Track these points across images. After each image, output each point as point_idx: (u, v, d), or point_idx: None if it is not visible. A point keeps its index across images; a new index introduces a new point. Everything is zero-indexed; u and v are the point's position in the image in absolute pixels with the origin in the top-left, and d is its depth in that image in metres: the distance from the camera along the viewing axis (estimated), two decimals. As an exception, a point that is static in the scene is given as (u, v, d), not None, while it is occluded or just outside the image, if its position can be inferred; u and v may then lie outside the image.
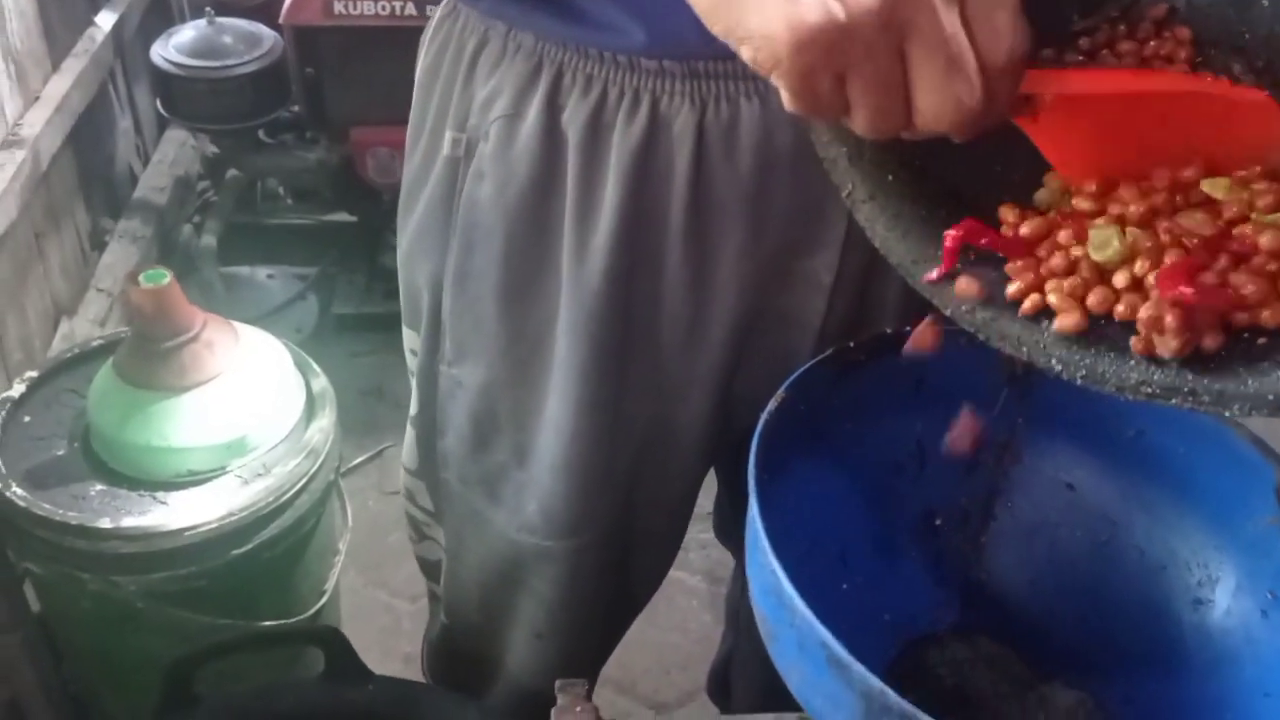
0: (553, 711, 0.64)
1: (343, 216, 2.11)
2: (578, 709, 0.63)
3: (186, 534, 1.14)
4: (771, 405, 0.55)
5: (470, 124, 0.72)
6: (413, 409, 0.87)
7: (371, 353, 2.07)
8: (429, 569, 0.98)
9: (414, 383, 0.86)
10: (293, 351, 1.32)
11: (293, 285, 2.10)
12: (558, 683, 0.66)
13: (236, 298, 2.05)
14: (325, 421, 1.27)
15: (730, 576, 1.21)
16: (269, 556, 1.20)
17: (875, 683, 0.42)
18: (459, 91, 0.73)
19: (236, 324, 1.27)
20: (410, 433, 0.89)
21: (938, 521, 0.61)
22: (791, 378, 0.57)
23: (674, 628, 1.66)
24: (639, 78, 0.66)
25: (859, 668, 0.43)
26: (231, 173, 2.09)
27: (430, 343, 0.82)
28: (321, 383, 1.31)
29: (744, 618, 1.08)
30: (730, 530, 1.06)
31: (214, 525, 1.15)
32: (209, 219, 2.06)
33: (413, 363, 0.86)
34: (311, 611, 1.28)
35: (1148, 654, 0.60)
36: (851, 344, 0.58)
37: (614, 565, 0.86)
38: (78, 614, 1.21)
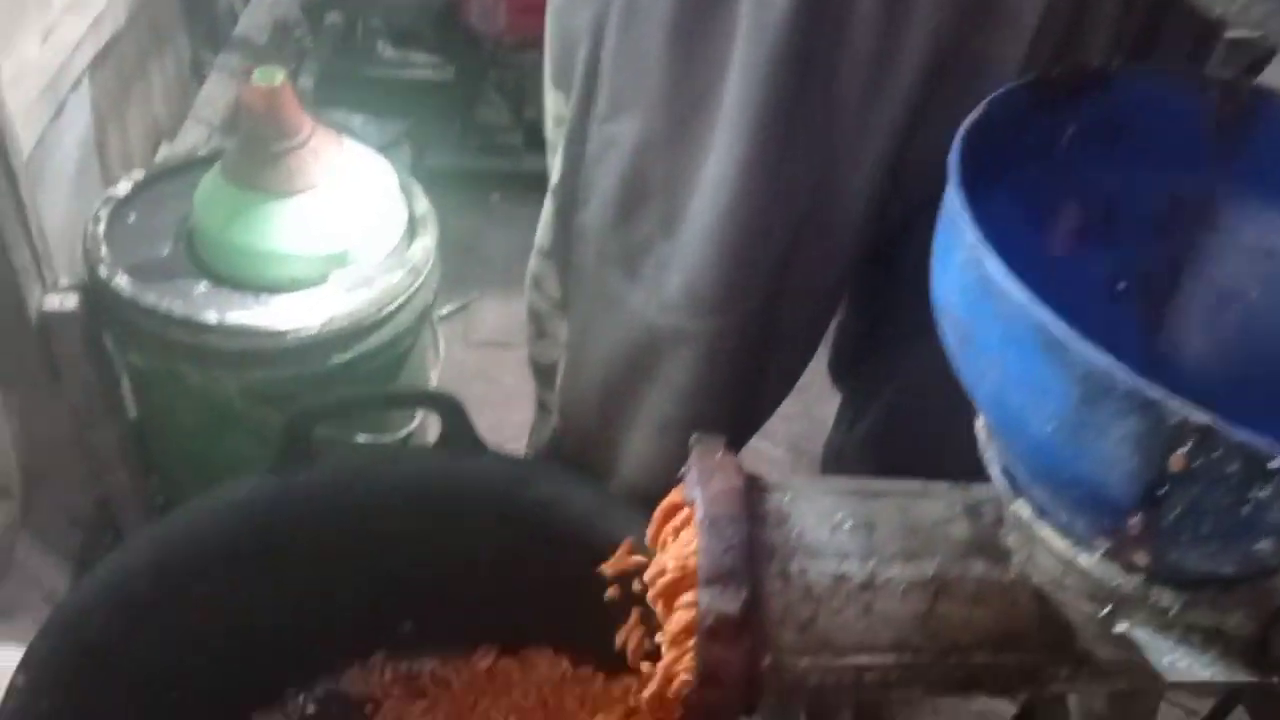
0: (693, 451, 0.62)
1: (440, 72, 2.08)
2: (718, 452, 0.61)
3: (289, 336, 1.14)
4: (971, 117, 0.51)
5: None
6: (553, 179, 0.84)
7: (461, 207, 2.05)
8: (543, 374, 0.96)
9: (559, 150, 0.83)
10: (396, 173, 1.30)
11: (386, 135, 2.08)
12: (695, 435, 0.64)
13: (330, 144, 2.04)
14: (427, 241, 1.26)
15: (831, 427, 1.18)
16: (367, 370, 1.19)
17: (1098, 360, 0.39)
18: None
19: (344, 138, 1.26)
20: (548, 206, 0.86)
21: (1120, 286, 0.57)
22: (992, 96, 0.53)
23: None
24: None
25: (1080, 345, 0.39)
26: (330, 18, 2.06)
27: (583, 99, 0.78)
28: (424, 205, 1.30)
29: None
30: (854, 363, 1.02)
31: (316, 330, 1.15)
32: (306, 62, 2.04)
33: (554, 133, 0.83)
34: (400, 436, 1.28)
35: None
36: (1057, 71, 0.53)
37: (751, 355, 0.84)
38: (176, 413, 1.22)
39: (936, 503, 0.60)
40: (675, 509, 0.61)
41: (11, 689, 0.72)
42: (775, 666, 0.57)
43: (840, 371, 1.06)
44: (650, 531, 0.63)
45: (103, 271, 1.15)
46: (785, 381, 0.91)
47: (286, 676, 0.93)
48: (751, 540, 0.57)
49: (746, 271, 0.78)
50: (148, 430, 1.30)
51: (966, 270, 0.45)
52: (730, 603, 0.55)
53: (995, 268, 0.43)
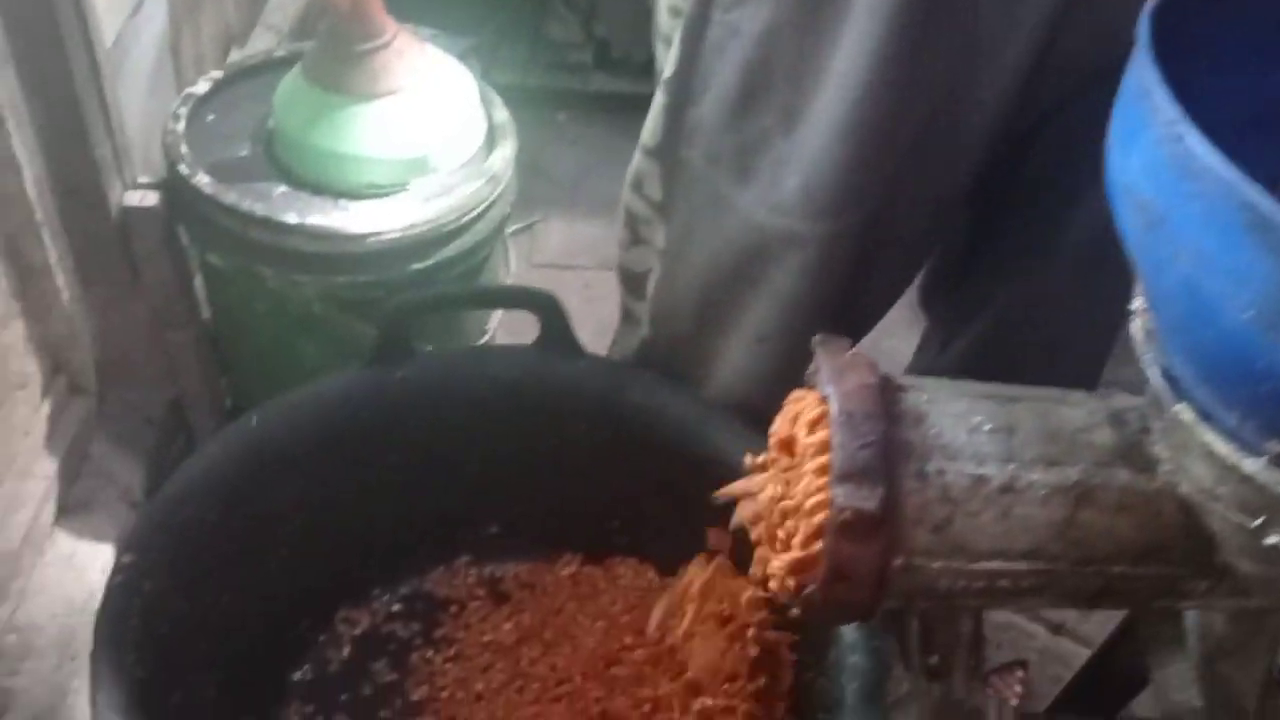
0: (818, 350, 0.60)
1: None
2: (847, 350, 0.59)
3: (369, 240, 1.12)
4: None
5: None
6: (667, 70, 0.81)
7: (527, 126, 2.01)
8: (633, 282, 0.94)
9: (674, 42, 0.80)
10: (476, 81, 1.28)
11: (454, 49, 2.05)
12: (818, 336, 0.62)
13: (396, 58, 2.01)
14: (506, 151, 1.24)
15: (915, 354, 1.15)
16: (443, 280, 1.18)
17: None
18: None
19: (426, 43, 1.24)
20: (659, 100, 0.83)
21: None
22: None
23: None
24: None
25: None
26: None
27: None
28: (503, 114, 1.28)
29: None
30: (951, 287, 1.00)
31: (396, 235, 1.13)
32: (373, -27, 2.01)
33: (669, 24, 0.80)
34: (471, 349, 1.27)
35: None
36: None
37: (861, 262, 0.81)
38: (253, 316, 1.22)
39: (1077, 409, 0.58)
40: (802, 407, 0.59)
41: (119, 566, 0.73)
42: (906, 568, 0.56)
43: (933, 296, 1.04)
44: (776, 427, 0.61)
45: (183, 169, 1.14)
46: (886, 298, 0.89)
47: (372, 576, 0.93)
48: (888, 438, 0.55)
49: (867, 174, 0.75)
50: (222, 334, 1.30)
51: (1161, 147, 0.43)
52: (866, 500, 0.54)
53: (1198, 143, 0.41)
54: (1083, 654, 1.34)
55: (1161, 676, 0.70)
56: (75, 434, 1.19)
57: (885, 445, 0.55)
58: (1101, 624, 1.36)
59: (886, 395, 0.57)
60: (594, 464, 0.89)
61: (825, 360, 0.58)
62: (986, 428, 0.56)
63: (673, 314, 0.90)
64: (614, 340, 1.05)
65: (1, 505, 1.08)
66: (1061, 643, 1.34)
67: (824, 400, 0.57)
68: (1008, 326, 0.94)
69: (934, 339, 1.07)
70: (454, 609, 0.93)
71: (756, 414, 0.87)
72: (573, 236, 1.77)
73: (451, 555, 0.96)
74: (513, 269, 1.46)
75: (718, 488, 0.84)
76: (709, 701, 0.76)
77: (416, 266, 1.15)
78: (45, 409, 1.16)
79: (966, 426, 0.56)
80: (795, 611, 0.61)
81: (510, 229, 1.89)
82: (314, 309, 1.16)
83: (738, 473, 0.83)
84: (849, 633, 0.71)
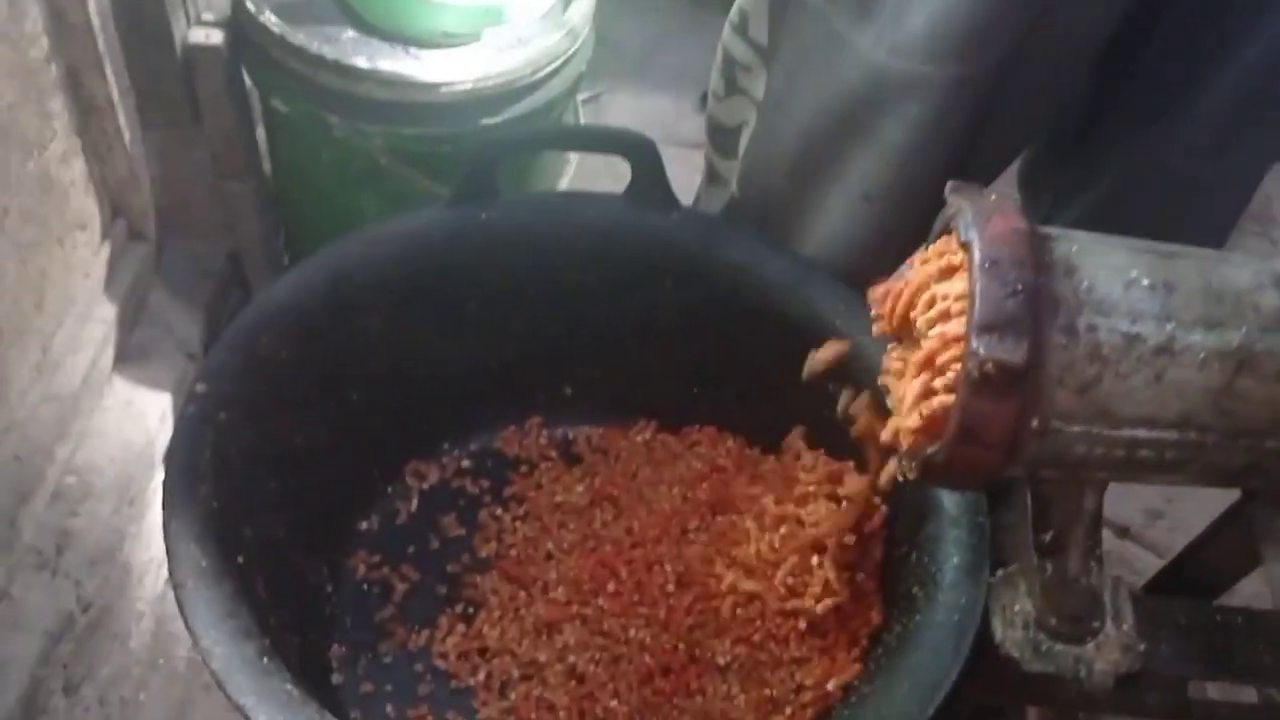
0: (952, 194, 0.55)
1: None
2: (989, 195, 0.54)
3: (440, 90, 1.07)
4: None
5: None
6: None
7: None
8: (725, 137, 0.88)
9: None
10: (553, -69, 1.21)
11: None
12: (952, 182, 0.57)
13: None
14: (585, 5, 1.17)
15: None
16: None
17: None
18: None
19: (503, -117, 1.16)
20: None
21: None
22: None
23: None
24: None
25: None
26: None
27: None
28: (581, -34, 1.21)
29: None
30: (1050, 164, 0.94)
31: (468, 86, 1.08)
32: None
33: None
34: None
35: None
36: None
37: (978, 118, 0.76)
38: (315, 167, 1.18)
39: (1241, 270, 0.53)
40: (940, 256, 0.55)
41: (192, 395, 0.70)
42: (1042, 431, 0.52)
43: (1037, 170, 0.98)
44: (910, 275, 0.57)
45: (250, 6, 1.09)
46: (1000, 160, 0.83)
47: (443, 430, 0.90)
48: (1037, 288, 0.51)
49: (1001, 14, 0.69)
50: (283, 188, 1.26)
51: None
52: (1010, 352, 0.50)
53: None
54: (1148, 559, 1.32)
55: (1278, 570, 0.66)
56: (134, 280, 1.16)
57: (1033, 296, 0.50)
58: (1169, 530, 1.34)
59: (1035, 243, 0.52)
60: (679, 325, 0.85)
61: (968, 203, 0.53)
62: (1144, 283, 0.52)
63: (768, 171, 0.85)
64: (694, 203, 1.00)
65: (61, 346, 1.06)
66: (1127, 547, 1.31)
67: (964, 246, 0.53)
68: (1118, 201, 0.89)
69: (1033, 216, 1.02)
70: (524, 469, 0.91)
71: (853, 281, 0.83)
72: (640, 109, 1.70)
73: (523, 415, 0.92)
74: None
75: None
76: (796, 560, 0.73)
77: (487, 121, 1.10)
78: (105, 252, 1.14)
79: (1123, 281, 0.52)
80: (909, 476, 0.57)
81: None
82: (379, 161, 1.12)
83: (834, 337, 0.80)
84: (951, 506, 0.68)
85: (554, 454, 0.91)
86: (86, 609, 0.97)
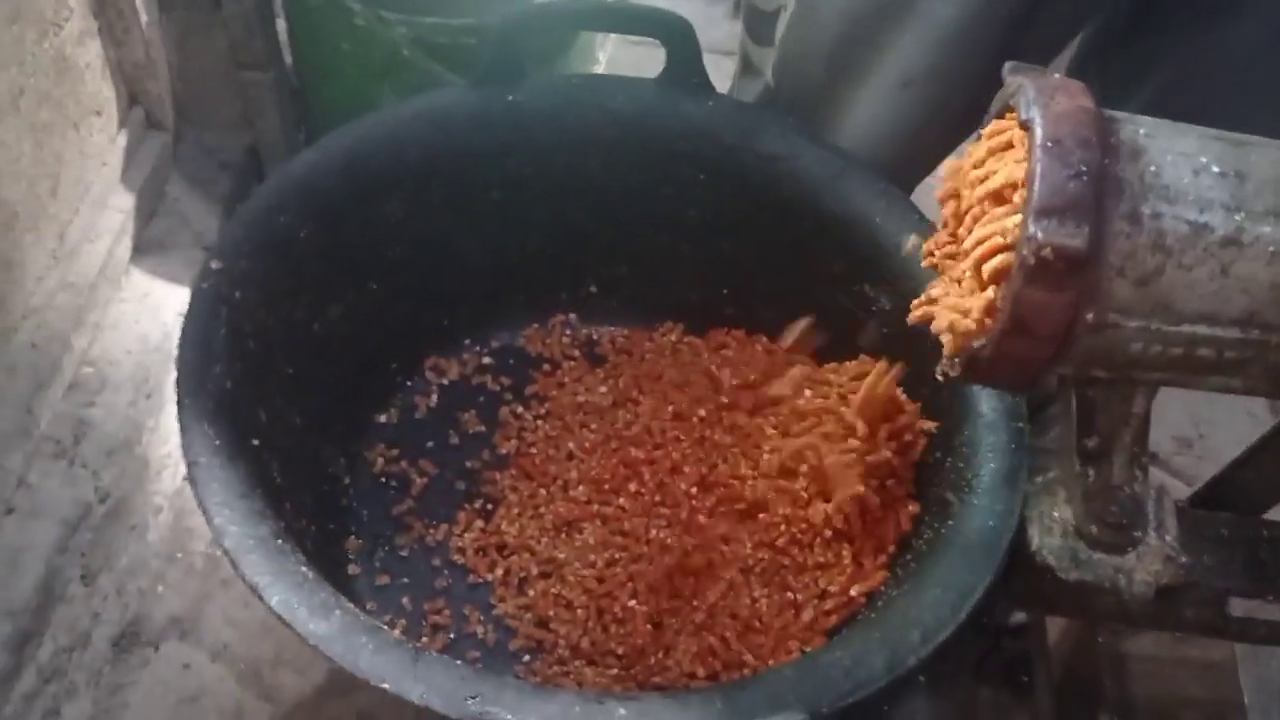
0: (1010, 74, 0.52)
1: None
2: (1054, 74, 0.51)
3: (466, -22, 1.04)
4: None
5: None
6: None
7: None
8: (761, 23, 0.84)
9: None
10: None
11: None
12: (1010, 64, 0.54)
13: None
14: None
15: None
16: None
17: None
18: None
19: None
20: None
21: None
22: None
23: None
24: None
25: None
26: None
27: None
28: None
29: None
30: (1103, 54, 0.89)
31: (498, -23, 1.04)
32: None
33: None
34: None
35: None
36: None
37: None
38: (336, 58, 1.14)
39: (1318, 161, 0.50)
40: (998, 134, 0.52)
41: (205, 272, 0.68)
42: (1098, 325, 0.49)
43: (1090, 60, 0.93)
44: (967, 157, 0.53)
45: (271, -116, 1.05)
46: (1050, 46, 0.79)
47: (463, 325, 0.88)
48: (1102, 171, 0.48)
49: None
50: (303, 80, 1.23)
51: None
52: (1070, 237, 0.47)
53: None
54: (1176, 486, 1.29)
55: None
56: (151, 170, 1.14)
57: (1098, 178, 0.47)
58: (1198, 459, 1.31)
59: (1100, 123, 0.49)
60: (710, 220, 0.81)
61: (1029, 80, 0.50)
62: (1215, 169, 0.48)
63: (805, 56, 0.81)
64: (729, 93, 0.96)
65: (77, 234, 1.04)
66: (1155, 474, 1.29)
67: (1024, 126, 0.49)
68: (1179, 90, 0.84)
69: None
70: (546, 367, 0.89)
71: (890, 172, 0.79)
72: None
73: (547, 313, 0.90)
74: (608, 43, 1.36)
75: (848, 251, 0.77)
76: (830, 457, 0.70)
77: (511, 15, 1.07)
78: (121, 140, 1.11)
79: (1192, 167, 0.48)
80: (951, 374, 0.54)
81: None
82: (401, 52, 1.09)
83: (872, 234, 0.77)
84: (988, 410, 0.66)
85: (577, 353, 0.89)
86: (104, 499, 0.96)
